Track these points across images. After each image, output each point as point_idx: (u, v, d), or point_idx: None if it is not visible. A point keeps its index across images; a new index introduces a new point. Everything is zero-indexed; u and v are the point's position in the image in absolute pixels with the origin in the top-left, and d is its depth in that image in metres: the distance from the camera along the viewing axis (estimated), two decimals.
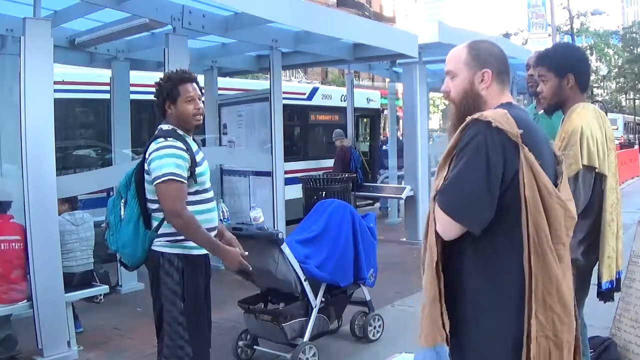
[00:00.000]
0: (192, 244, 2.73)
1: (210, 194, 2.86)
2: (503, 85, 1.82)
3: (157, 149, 2.66)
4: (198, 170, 2.72)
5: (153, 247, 2.73)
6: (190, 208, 2.70)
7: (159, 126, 2.83)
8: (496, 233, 1.65)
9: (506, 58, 1.85)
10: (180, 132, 2.77)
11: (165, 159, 2.63)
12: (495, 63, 1.81)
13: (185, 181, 2.66)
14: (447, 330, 1.70)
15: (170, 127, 2.78)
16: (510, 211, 1.63)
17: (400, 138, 9.98)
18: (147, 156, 2.70)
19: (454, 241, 1.69)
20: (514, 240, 1.63)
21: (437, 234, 1.70)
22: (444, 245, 1.71)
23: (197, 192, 2.75)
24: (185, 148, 2.69)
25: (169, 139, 2.69)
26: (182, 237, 2.71)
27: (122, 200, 2.79)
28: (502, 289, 1.67)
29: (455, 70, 1.83)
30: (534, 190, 1.61)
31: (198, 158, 2.77)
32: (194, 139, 2.93)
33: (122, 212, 2.77)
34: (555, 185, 1.73)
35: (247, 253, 2.82)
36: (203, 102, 2.94)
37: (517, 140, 1.61)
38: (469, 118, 1.68)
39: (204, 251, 2.80)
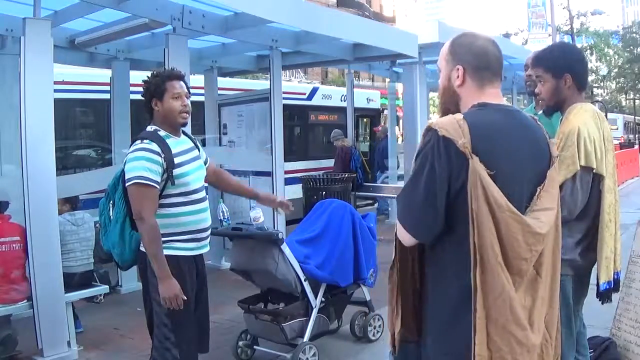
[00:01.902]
0: (178, 244, 2.72)
1: (200, 195, 2.82)
2: (482, 82, 1.70)
3: (132, 152, 2.67)
4: (177, 172, 2.69)
5: (141, 248, 2.73)
6: (177, 209, 2.71)
7: (146, 128, 2.81)
8: (447, 243, 1.61)
9: (489, 53, 1.71)
10: (162, 133, 2.75)
11: (136, 162, 2.63)
12: (472, 59, 1.70)
13: (155, 185, 2.63)
14: (397, 332, 1.70)
15: (154, 128, 2.77)
16: (459, 222, 1.56)
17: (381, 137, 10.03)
18: None
19: (420, 247, 1.68)
20: (463, 253, 1.55)
21: (396, 237, 1.69)
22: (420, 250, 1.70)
23: (182, 194, 2.72)
24: (159, 151, 2.65)
25: (144, 141, 2.68)
26: (169, 238, 2.69)
27: (110, 202, 2.79)
28: (452, 301, 1.61)
29: (439, 66, 1.80)
30: (481, 203, 1.52)
31: (180, 159, 2.73)
32: (190, 138, 2.91)
33: (111, 214, 2.77)
34: (533, 193, 1.63)
35: (184, 298, 2.66)
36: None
37: (465, 150, 1.52)
38: (427, 123, 1.66)
39: (192, 252, 2.78)
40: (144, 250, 2.70)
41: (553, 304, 1.69)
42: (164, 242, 2.68)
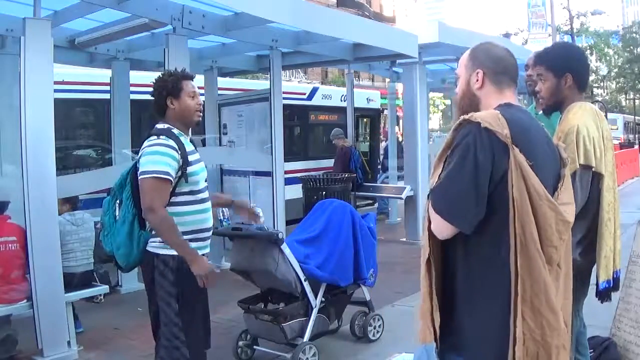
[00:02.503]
0: None
1: (205, 195, 2.85)
2: (500, 86, 1.81)
3: (148, 146, 2.68)
4: (190, 170, 2.71)
5: (148, 248, 2.73)
6: (183, 208, 2.71)
7: (155, 125, 2.82)
8: (485, 233, 1.66)
9: (507, 59, 1.84)
10: (175, 131, 2.77)
11: (153, 156, 2.64)
12: (491, 64, 1.81)
13: (171, 180, 2.65)
14: (437, 328, 1.70)
15: (166, 126, 2.78)
16: (499, 212, 1.63)
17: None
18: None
19: (448, 240, 1.70)
20: (502, 241, 1.63)
21: (430, 232, 1.71)
22: (443, 244, 1.72)
23: (191, 192, 2.75)
24: (176, 147, 2.68)
25: (161, 137, 2.69)
26: None
27: (117, 201, 2.78)
28: (488, 290, 1.67)
29: (459, 73, 1.89)
30: (522, 191, 1.60)
31: (191, 158, 2.76)
32: (191, 140, 2.93)
33: (117, 213, 2.77)
34: (556, 188, 1.72)
35: (218, 271, 2.74)
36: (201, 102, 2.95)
37: (507, 140, 1.61)
38: (461, 118, 1.70)
39: (199, 252, 2.78)
40: (151, 250, 2.71)
41: (567, 295, 1.76)
42: None
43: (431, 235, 1.71)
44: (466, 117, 1.68)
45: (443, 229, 1.68)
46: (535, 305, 1.61)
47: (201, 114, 2.90)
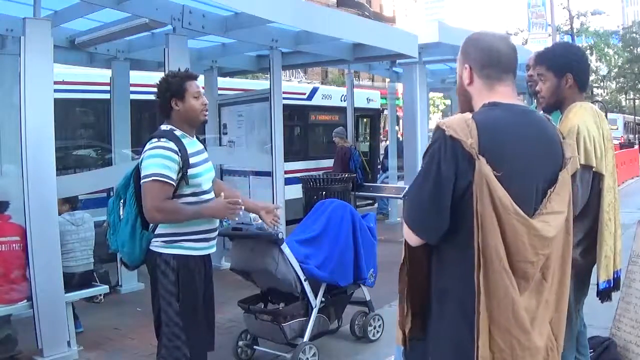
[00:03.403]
0: (188, 244, 2.74)
1: (210, 196, 2.86)
2: (490, 80, 1.68)
3: (149, 149, 2.69)
4: (191, 172, 2.72)
5: (150, 247, 2.74)
6: None
7: (159, 127, 2.83)
8: (453, 245, 1.60)
9: (496, 49, 1.68)
10: (178, 132, 2.77)
11: (153, 159, 2.65)
12: (478, 56, 1.68)
13: (172, 182, 2.65)
14: (407, 332, 1.70)
15: (169, 127, 2.79)
16: (465, 223, 1.54)
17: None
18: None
19: (425, 246, 1.66)
20: (466, 255, 1.54)
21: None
22: (422, 249, 1.69)
23: (193, 194, 2.75)
24: (176, 149, 2.68)
25: (161, 139, 2.70)
26: (179, 238, 2.72)
27: (121, 201, 2.80)
28: (457, 304, 1.60)
29: (457, 65, 1.78)
30: (487, 205, 1.50)
31: (194, 160, 2.76)
32: (199, 140, 2.94)
33: (121, 213, 2.78)
34: (545, 193, 1.61)
35: (240, 201, 2.80)
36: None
37: (471, 151, 1.51)
38: (436, 123, 1.63)
39: (202, 252, 2.80)
40: (154, 249, 2.72)
41: (560, 307, 1.67)
42: (173, 241, 2.71)
43: (405, 240, 1.68)
44: (439, 121, 1.61)
45: (411, 237, 1.64)
46: (503, 325, 1.52)
47: (207, 113, 2.90)
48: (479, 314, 1.52)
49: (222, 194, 2.83)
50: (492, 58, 1.68)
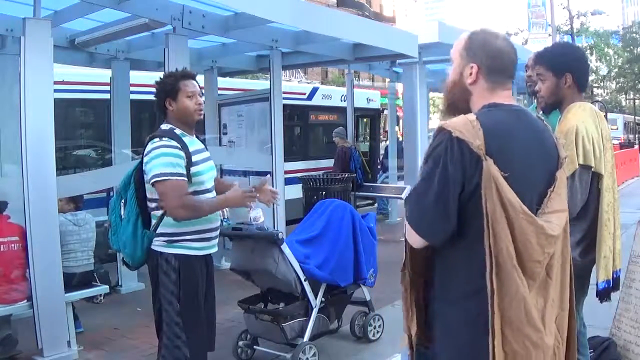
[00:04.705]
0: (191, 244, 2.74)
1: (211, 194, 2.87)
2: (494, 85, 1.69)
3: (152, 149, 2.68)
4: (194, 170, 2.73)
5: (152, 247, 2.74)
6: None
7: (160, 126, 2.84)
8: (458, 246, 1.59)
9: (505, 56, 1.70)
10: (178, 131, 2.78)
11: (160, 158, 2.64)
12: (486, 59, 1.68)
13: (184, 177, 2.67)
14: (413, 334, 1.68)
15: (169, 126, 2.80)
16: (473, 225, 1.54)
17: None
18: (144, 156, 2.73)
19: (428, 248, 1.65)
20: (476, 256, 1.54)
21: (407, 239, 1.67)
22: (424, 251, 1.68)
23: (195, 193, 2.75)
24: (179, 146, 2.69)
25: (163, 138, 2.70)
26: (180, 237, 2.72)
27: (122, 201, 2.80)
28: (459, 303, 1.60)
29: (452, 57, 1.77)
30: (496, 205, 1.51)
31: (196, 158, 2.77)
32: (199, 138, 2.94)
33: (122, 212, 2.78)
34: (545, 194, 1.62)
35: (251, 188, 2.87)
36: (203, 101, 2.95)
37: (479, 152, 1.51)
38: (438, 124, 1.61)
39: (204, 252, 2.81)
40: (155, 249, 2.73)
41: (563, 305, 1.68)
42: (175, 241, 2.71)
43: (407, 242, 1.67)
44: (441, 124, 1.59)
45: (415, 239, 1.63)
46: (515, 325, 1.53)
47: (202, 112, 2.89)
48: (493, 315, 1.52)
49: (236, 183, 2.86)
50: (502, 65, 1.70)
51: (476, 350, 1.55)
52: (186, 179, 2.67)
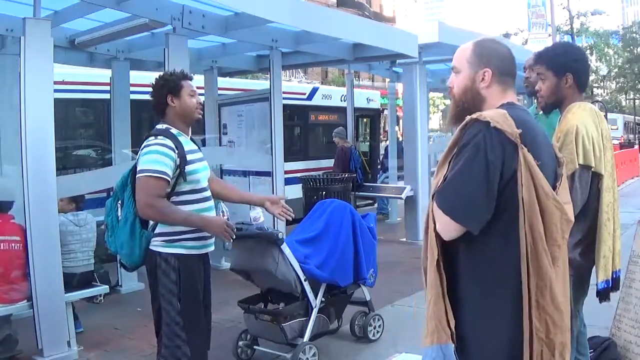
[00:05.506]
0: (187, 243, 2.75)
1: (207, 193, 2.89)
2: (505, 86, 1.81)
3: (146, 146, 2.72)
4: (189, 168, 2.75)
5: (150, 247, 2.75)
6: (184, 207, 2.73)
7: (155, 126, 2.86)
8: (491, 233, 1.65)
9: (512, 58, 1.84)
10: (174, 131, 2.80)
11: (149, 155, 2.68)
12: (498, 63, 1.80)
13: (167, 178, 2.68)
14: (453, 328, 1.69)
15: (165, 126, 2.82)
16: (507, 211, 1.63)
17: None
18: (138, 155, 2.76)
19: (450, 242, 1.69)
20: (509, 241, 1.63)
21: (436, 233, 1.69)
22: (445, 246, 1.71)
23: (191, 192, 2.78)
24: (174, 146, 2.71)
25: (158, 137, 2.74)
26: (179, 237, 2.73)
27: (119, 202, 2.81)
28: (494, 290, 1.66)
29: (459, 67, 1.85)
30: (532, 191, 1.61)
31: (192, 157, 2.79)
32: (192, 140, 2.95)
33: (119, 213, 2.79)
34: (554, 187, 1.71)
35: (233, 225, 2.84)
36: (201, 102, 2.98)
37: (516, 140, 1.61)
38: (468, 117, 1.68)
39: (201, 250, 2.82)
40: (154, 249, 2.73)
41: (566, 292, 1.75)
42: (174, 240, 2.72)
43: (437, 236, 1.70)
44: (474, 116, 1.67)
45: (450, 229, 1.66)
46: (540, 304, 1.62)
47: (201, 111, 2.95)
48: (529, 298, 1.61)
49: (226, 216, 2.84)
50: (510, 67, 1.84)
51: (507, 333, 1.63)
52: (168, 179, 2.68)
